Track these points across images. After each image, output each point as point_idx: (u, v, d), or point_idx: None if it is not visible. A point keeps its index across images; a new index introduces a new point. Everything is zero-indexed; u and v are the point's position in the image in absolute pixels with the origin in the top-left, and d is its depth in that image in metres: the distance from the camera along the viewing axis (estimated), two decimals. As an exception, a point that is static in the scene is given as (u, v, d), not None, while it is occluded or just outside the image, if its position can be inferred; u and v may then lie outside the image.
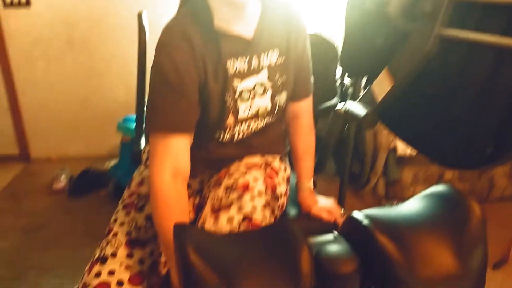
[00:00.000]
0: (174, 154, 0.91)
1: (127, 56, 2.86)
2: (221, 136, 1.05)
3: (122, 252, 0.89)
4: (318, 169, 1.31)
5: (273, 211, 1.02)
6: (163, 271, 0.95)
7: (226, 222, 0.92)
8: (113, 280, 0.84)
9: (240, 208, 0.94)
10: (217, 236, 0.62)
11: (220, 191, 1.00)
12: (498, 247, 1.86)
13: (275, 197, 1.05)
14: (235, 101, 0.99)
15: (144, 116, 1.38)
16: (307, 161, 1.17)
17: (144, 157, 1.24)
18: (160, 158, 0.90)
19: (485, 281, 0.67)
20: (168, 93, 0.90)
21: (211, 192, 1.02)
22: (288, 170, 1.21)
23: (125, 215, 0.98)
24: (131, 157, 1.33)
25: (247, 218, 0.93)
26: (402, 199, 2.20)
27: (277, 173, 1.11)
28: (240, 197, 0.97)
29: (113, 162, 2.66)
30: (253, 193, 0.99)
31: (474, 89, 0.73)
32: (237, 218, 0.93)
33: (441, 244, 0.66)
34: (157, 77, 0.91)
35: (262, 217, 0.95)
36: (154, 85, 0.92)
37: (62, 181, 2.55)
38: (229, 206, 0.95)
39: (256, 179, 1.03)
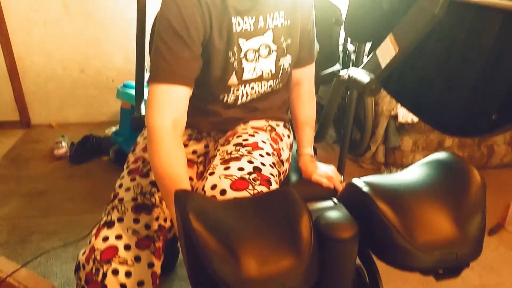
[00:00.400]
0: (174, 103, 0.91)
1: (126, 21, 2.80)
2: (226, 98, 1.05)
3: (128, 217, 0.90)
4: (319, 137, 1.30)
5: (279, 173, 1.03)
6: (168, 235, 0.97)
7: (237, 169, 0.93)
8: (120, 244, 0.85)
9: (250, 161, 0.96)
10: (218, 202, 0.62)
11: (230, 147, 1.02)
12: (494, 213, 1.89)
13: (281, 161, 1.07)
14: (240, 60, 0.99)
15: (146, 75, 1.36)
16: (308, 128, 1.17)
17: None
18: (160, 106, 0.90)
19: (483, 247, 0.68)
20: (172, 41, 0.90)
21: (220, 149, 1.04)
22: (291, 137, 1.21)
23: (131, 180, 0.99)
24: (131, 123, 1.32)
25: (257, 170, 0.94)
26: (402, 166, 2.22)
27: (281, 139, 1.12)
28: (250, 152, 0.99)
29: (113, 129, 2.66)
30: (262, 152, 1.01)
31: (482, 54, 0.72)
32: (248, 168, 0.94)
33: (440, 210, 0.66)
34: (162, 24, 0.91)
35: (269, 174, 0.96)
36: (159, 32, 0.91)
37: (63, 148, 2.56)
38: (239, 157, 0.97)
39: (264, 142, 1.05)
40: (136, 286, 0.84)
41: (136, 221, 0.90)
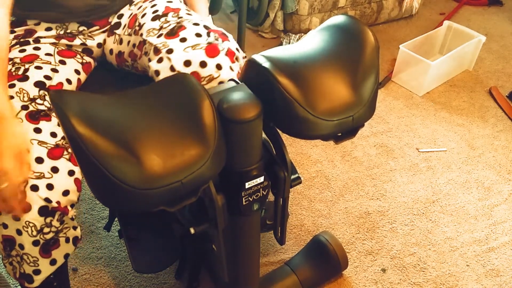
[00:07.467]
0: None
1: None
2: None
3: (27, 128, 0.79)
4: (214, 7, 1.21)
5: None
6: None
7: (195, 36, 0.83)
8: (31, 160, 0.77)
9: (196, 23, 0.86)
10: (103, 97, 0.55)
11: (150, 23, 0.89)
12: (382, 67, 2.05)
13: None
14: None
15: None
16: None
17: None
18: None
19: (376, 104, 0.73)
20: None
21: (142, 32, 0.90)
22: None
23: (10, 87, 0.84)
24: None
25: (208, 28, 0.87)
26: (300, 31, 2.22)
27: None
28: (179, 16, 0.88)
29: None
30: (180, 14, 0.91)
31: None
32: (202, 31, 0.85)
33: (338, 77, 0.67)
34: None
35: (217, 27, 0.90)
36: None
37: None
38: (182, 26, 0.86)
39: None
40: (62, 197, 0.79)
41: (37, 131, 0.80)
